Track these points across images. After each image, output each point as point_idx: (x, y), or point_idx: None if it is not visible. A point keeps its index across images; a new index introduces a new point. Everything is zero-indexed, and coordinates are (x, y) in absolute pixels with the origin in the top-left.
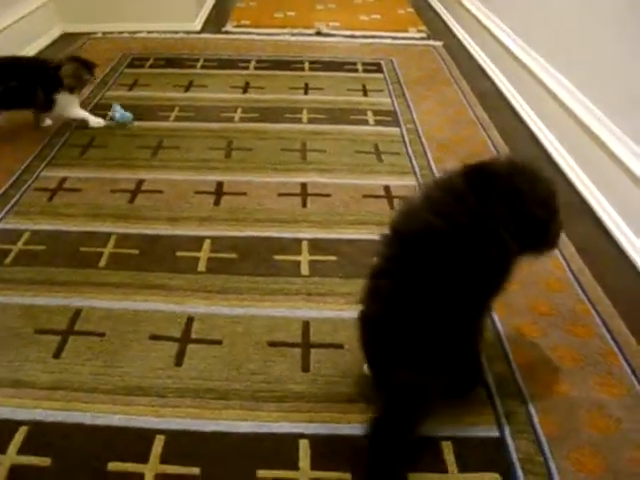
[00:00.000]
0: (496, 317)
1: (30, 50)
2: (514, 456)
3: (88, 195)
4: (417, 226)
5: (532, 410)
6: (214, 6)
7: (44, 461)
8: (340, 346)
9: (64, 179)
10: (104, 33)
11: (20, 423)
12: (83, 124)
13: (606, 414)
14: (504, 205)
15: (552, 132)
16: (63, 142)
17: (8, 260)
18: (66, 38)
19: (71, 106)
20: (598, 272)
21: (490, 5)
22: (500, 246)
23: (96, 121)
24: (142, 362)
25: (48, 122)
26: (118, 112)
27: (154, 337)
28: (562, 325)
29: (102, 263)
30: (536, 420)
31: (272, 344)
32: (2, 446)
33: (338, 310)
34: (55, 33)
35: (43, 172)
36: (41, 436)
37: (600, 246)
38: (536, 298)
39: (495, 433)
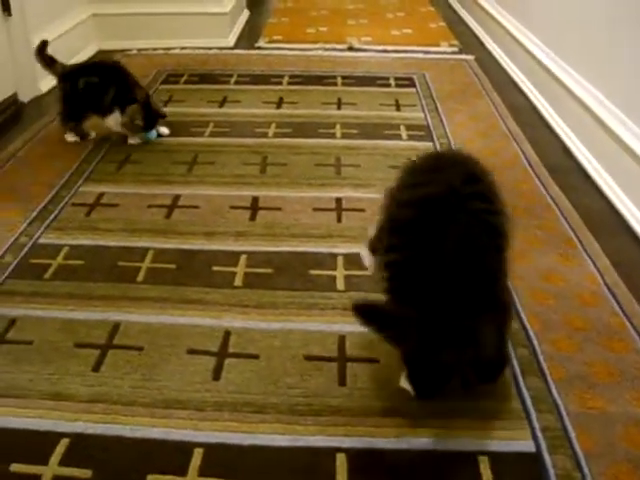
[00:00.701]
0: (531, 332)
1: None
2: (551, 472)
3: (125, 210)
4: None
5: (568, 426)
6: (247, 22)
7: (85, 473)
8: (376, 360)
9: (101, 194)
10: (139, 50)
11: (61, 435)
12: (119, 138)
13: None
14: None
15: (585, 145)
16: (100, 157)
17: (48, 274)
18: (102, 55)
19: (118, 124)
20: (633, 285)
21: (522, 18)
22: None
23: (134, 139)
24: (180, 376)
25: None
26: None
27: (192, 351)
28: (597, 340)
29: (140, 278)
30: (573, 436)
31: (309, 358)
32: (44, 457)
33: None
34: (91, 50)
35: (81, 187)
36: (82, 448)
37: (635, 259)
38: (571, 313)
39: (531, 448)
